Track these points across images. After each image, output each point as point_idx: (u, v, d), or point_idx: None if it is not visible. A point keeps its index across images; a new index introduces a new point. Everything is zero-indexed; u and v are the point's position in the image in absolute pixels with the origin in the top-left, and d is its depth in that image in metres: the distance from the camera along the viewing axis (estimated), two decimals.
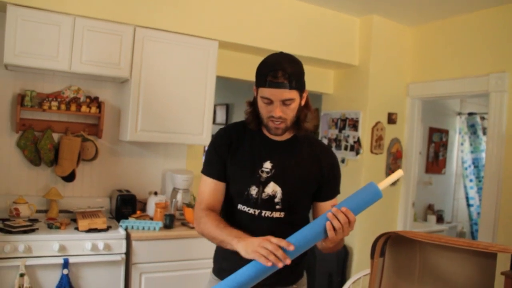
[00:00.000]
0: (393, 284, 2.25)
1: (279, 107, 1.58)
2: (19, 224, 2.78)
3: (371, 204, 1.42)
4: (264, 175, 1.69)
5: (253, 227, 1.68)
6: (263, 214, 1.69)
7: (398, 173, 1.45)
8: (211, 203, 1.74)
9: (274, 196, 1.68)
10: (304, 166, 1.73)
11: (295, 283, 1.83)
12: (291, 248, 1.39)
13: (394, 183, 4.29)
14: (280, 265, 1.38)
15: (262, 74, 1.59)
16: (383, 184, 1.46)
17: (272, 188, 1.68)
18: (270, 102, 1.59)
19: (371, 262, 2.19)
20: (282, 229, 1.66)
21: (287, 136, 1.74)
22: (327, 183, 1.76)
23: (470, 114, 6.02)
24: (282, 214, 1.70)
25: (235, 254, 1.72)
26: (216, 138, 1.79)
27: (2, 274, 2.59)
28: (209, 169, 1.77)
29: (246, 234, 1.55)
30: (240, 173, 1.72)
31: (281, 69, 1.55)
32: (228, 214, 1.79)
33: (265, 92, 1.58)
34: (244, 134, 1.76)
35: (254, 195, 1.69)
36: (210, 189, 1.75)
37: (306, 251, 1.56)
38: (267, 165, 1.70)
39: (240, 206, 1.72)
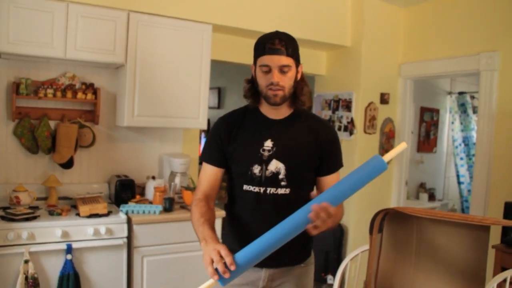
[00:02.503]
0: (391, 259, 2.32)
1: (277, 74, 1.66)
2: (21, 211, 2.80)
3: (376, 176, 1.45)
4: (266, 153, 1.73)
5: (259, 206, 1.75)
6: (268, 191, 1.73)
7: (402, 146, 1.50)
8: (207, 190, 1.80)
9: (278, 173, 1.73)
10: (303, 141, 1.77)
11: (303, 262, 1.89)
12: (232, 268, 1.40)
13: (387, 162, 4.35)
14: (215, 277, 1.40)
15: (260, 44, 1.70)
16: (388, 156, 1.51)
17: (275, 165, 1.73)
18: (268, 70, 1.66)
19: (369, 238, 2.26)
20: (287, 205, 1.70)
21: (285, 113, 1.80)
22: (327, 157, 1.81)
23: (460, 93, 6.09)
24: (287, 191, 1.74)
25: (244, 236, 1.76)
26: (214, 127, 1.86)
27: (6, 261, 2.62)
28: (206, 156, 1.85)
29: (214, 236, 1.57)
30: (242, 154, 1.77)
31: (277, 38, 1.67)
32: (234, 196, 1.85)
33: (264, 59, 1.66)
34: (243, 119, 1.82)
35: (257, 174, 1.73)
36: (207, 175, 1.82)
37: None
38: (268, 143, 1.74)
39: (245, 187, 1.77)
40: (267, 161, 1.73)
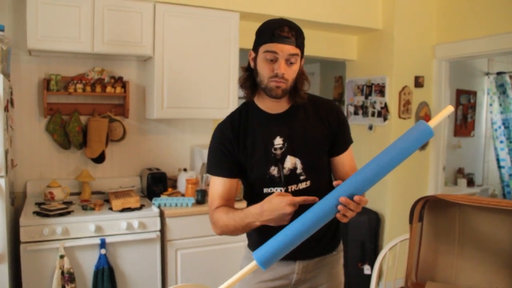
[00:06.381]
0: (433, 249, 2.22)
1: (283, 64, 1.56)
2: (55, 207, 2.83)
3: (423, 143, 1.39)
4: (278, 151, 1.67)
5: None
6: (289, 189, 1.67)
7: (448, 109, 1.41)
8: (223, 203, 1.70)
9: (295, 168, 1.67)
10: (312, 129, 1.70)
11: (335, 250, 1.86)
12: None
13: (422, 147, 4.21)
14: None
15: (267, 30, 1.57)
16: (434, 121, 1.43)
17: (291, 161, 1.66)
18: (274, 59, 1.55)
19: (409, 227, 2.16)
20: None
21: (286, 107, 1.70)
22: (338, 137, 1.74)
23: (499, 73, 5.83)
24: (308, 183, 1.68)
25: (269, 226, 1.69)
26: (219, 135, 1.74)
27: (43, 256, 2.65)
28: (215, 169, 1.72)
29: (254, 205, 1.53)
30: (256, 159, 1.68)
31: (287, 25, 1.57)
32: (254, 198, 1.74)
33: (271, 46, 1.55)
34: (246, 121, 1.72)
35: (276, 175, 1.67)
36: (222, 189, 1.70)
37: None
38: (278, 140, 1.67)
39: (265, 190, 1.69)
40: (282, 160, 1.67)
